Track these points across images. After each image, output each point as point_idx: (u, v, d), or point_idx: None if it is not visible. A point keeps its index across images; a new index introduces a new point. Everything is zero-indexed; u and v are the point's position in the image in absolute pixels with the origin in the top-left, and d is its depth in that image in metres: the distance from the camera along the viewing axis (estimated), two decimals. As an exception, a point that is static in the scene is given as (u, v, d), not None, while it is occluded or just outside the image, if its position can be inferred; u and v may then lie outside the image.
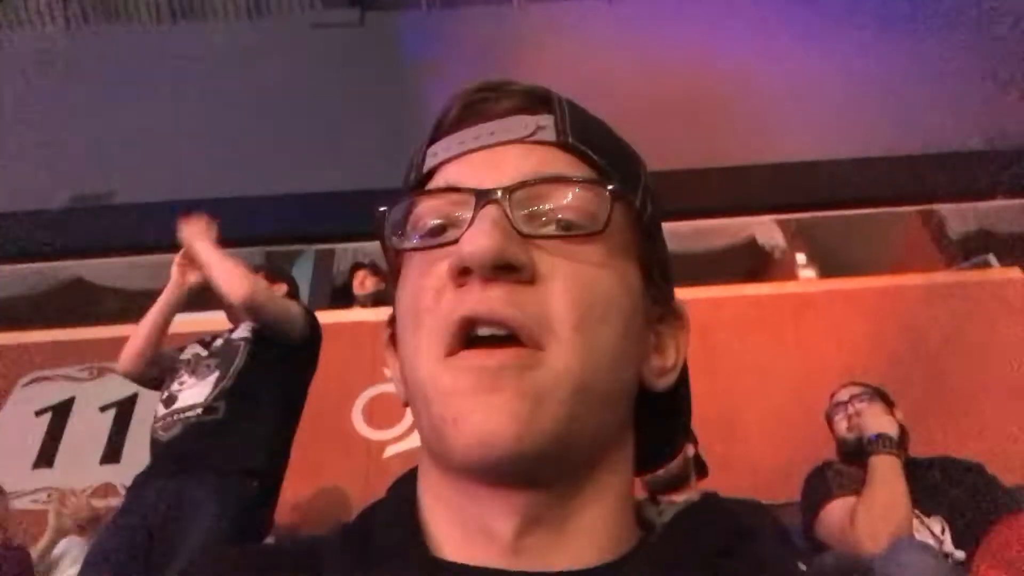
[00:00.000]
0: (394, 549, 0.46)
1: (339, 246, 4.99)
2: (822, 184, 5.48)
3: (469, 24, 5.68)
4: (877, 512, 2.04)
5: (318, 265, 4.96)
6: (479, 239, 0.43)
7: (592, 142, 0.51)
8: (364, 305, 4.07)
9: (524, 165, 0.49)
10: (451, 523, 0.47)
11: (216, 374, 2.26)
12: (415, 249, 0.49)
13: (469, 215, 0.46)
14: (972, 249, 5.15)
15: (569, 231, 0.47)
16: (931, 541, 2.02)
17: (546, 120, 0.51)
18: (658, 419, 0.54)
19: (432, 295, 0.46)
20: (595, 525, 0.47)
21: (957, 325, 3.64)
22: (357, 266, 4.41)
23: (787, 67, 5.71)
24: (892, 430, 2.22)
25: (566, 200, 0.48)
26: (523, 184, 0.47)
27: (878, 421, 2.28)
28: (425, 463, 0.50)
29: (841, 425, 2.43)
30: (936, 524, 2.08)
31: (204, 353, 2.38)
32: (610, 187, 0.48)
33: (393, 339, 0.55)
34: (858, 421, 2.34)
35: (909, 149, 5.45)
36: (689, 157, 5.11)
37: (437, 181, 0.51)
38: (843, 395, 2.50)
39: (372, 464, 3.43)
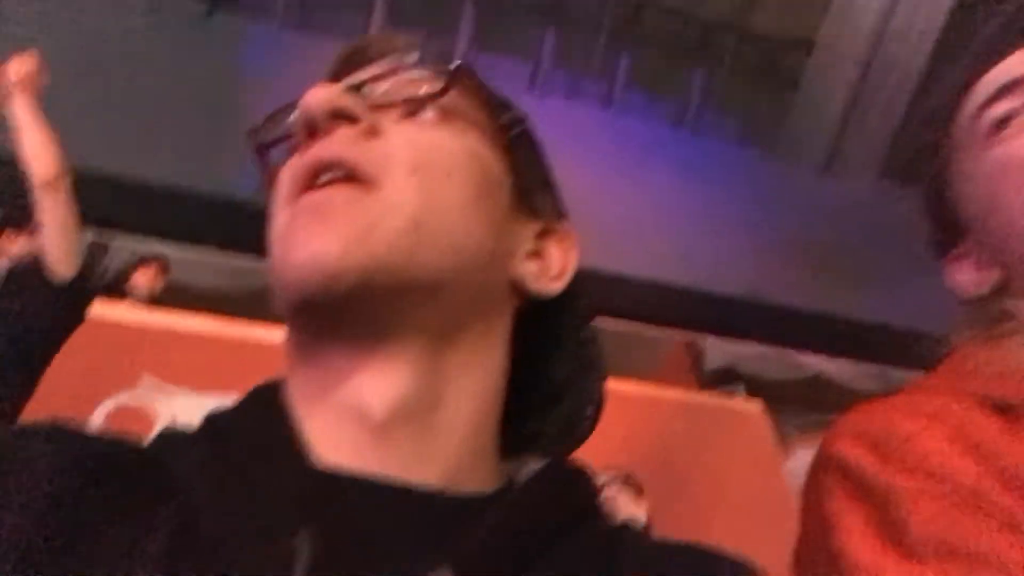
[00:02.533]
0: (265, 455, 0.43)
1: (119, 240, 4.51)
2: (600, 294, 5.79)
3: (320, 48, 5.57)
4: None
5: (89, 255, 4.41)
6: (316, 91, 0.47)
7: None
8: (137, 303, 3.69)
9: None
10: (322, 415, 0.45)
11: None
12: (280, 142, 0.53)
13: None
14: (722, 381, 5.71)
15: (411, 98, 0.50)
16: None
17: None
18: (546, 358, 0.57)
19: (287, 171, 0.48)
20: (461, 431, 0.47)
21: (701, 442, 3.98)
22: (148, 260, 4.02)
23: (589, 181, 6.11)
24: (641, 516, 2.37)
25: (408, 77, 0.51)
26: (364, 81, 0.52)
27: (628, 508, 2.42)
28: (289, 359, 0.48)
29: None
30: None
31: None
32: (451, 66, 0.51)
33: None
34: (610, 505, 2.47)
35: (684, 282, 5.95)
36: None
37: None
38: (599, 479, 2.62)
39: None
